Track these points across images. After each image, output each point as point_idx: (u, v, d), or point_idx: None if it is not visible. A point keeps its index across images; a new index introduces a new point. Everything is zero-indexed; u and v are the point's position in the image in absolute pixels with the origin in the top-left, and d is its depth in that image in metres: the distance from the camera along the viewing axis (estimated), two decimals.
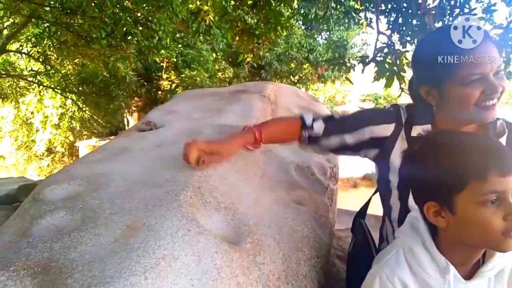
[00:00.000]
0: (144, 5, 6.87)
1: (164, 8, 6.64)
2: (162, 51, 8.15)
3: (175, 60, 9.77)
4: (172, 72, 9.63)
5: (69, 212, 0.90)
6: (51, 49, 7.33)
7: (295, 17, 7.38)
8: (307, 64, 11.90)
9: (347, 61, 5.20)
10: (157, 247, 0.76)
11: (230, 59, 11.24)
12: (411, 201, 1.15)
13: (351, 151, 1.27)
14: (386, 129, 1.19)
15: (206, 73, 9.38)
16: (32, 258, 0.74)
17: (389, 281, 0.85)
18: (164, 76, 9.61)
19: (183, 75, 9.06)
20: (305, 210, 1.22)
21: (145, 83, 9.70)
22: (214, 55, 10.25)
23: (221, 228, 0.95)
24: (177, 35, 8.68)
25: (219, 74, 10.90)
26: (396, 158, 1.17)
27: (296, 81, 12.57)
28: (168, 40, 7.79)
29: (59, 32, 6.75)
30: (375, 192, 1.37)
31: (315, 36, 11.24)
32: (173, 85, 9.69)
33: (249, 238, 0.96)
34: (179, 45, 9.32)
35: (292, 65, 11.98)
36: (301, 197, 1.29)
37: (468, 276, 0.88)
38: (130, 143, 1.36)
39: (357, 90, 19.50)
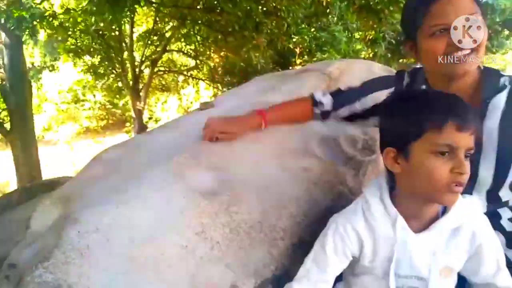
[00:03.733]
0: None
1: None
2: (294, 37, 8.49)
3: (308, 44, 10.00)
4: (306, 56, 9.87)
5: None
6: (197, 45, 8.46)
7: None
8: None
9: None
10: (135, 189, 1.05)
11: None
12: None
13: (362, 119, 1.34)
14: (386, 95, 1.22)
15: (339, 54, 9.30)
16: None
17: (342, 227, 0.98)
18: (298, 61, 9.92)
19: (315, 59, 9.21)
20: (305, 175, 1.34)
21: (280, 70, 10.21)
22: (348, 35, 10.03)
23: (205, 183, 1.18)
24: (312, 19, 8.86)
25: (363, 53, 10.63)
26: None
27: None
28: (301, 26, 8.06)
29: (202, 30, 7.74)
30: None
31: None
32: None
33: (228, 192, 1.17)
34: (312, 29, 9.50)
35: None
36: (310, 164, 1.40)
37: (422, 230, 0.93)
38: (180, 120, 1.69)
39: None
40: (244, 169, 1.28)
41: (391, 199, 0.95)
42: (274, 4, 7.59)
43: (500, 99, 1.06)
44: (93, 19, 5.87)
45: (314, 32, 9.88)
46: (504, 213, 1.11)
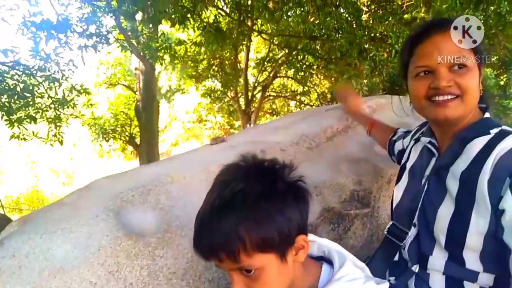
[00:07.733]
0: (385, 21, 7.04)
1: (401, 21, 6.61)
2: None
3: None
4: None
5: None
6: (301, 72, 8.57)
7: None
8: None
9: None
10: (68, 221, 1.14)
11: None
12: None
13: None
14: (405, 143, 1.31)
15: None
16: None
17: None
18: None
19: None
20: None
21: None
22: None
23: (140, 223, 1.21)
24: None
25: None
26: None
27: None
28: None
29: (305, 57, 7.83)
30: None
31: None
32: None
33: (159, 234, 1.18)
34: None
35: None
36: None
37: None
38: (186, 154, 1.77)
39: None
40: (191, 211, 1.27)
41: None
42: (381, 30, 7.28)
43: (477, 143, 0.93)
44: (201, 49, 6.46)
45: None
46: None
